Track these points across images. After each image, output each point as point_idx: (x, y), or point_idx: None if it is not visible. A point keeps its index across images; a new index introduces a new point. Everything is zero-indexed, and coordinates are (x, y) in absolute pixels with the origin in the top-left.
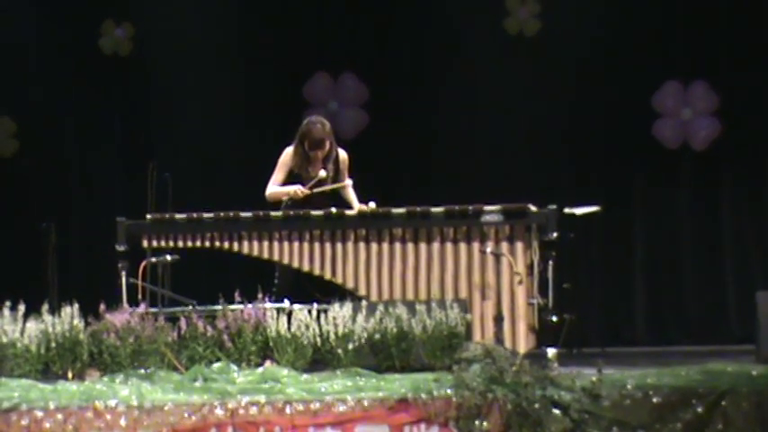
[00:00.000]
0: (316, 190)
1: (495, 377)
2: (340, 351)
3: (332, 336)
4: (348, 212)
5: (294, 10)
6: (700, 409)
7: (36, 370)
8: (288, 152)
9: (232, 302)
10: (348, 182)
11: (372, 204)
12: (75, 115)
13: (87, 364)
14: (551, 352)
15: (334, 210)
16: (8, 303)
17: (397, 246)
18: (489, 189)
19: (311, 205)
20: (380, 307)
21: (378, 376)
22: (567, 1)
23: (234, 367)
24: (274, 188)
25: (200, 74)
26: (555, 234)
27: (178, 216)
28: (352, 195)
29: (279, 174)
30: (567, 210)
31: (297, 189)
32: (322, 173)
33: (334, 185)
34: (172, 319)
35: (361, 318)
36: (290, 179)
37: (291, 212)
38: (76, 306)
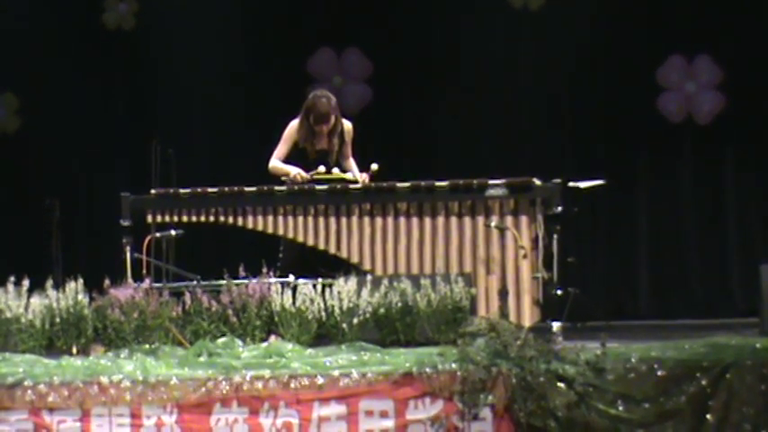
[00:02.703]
0: (317, 177)
1: (499, 351)
2: (344, 326)
3: (336, 310)
4: (353, 186)
5: None
6: (704, 382)
7: (40, 345)
8: (293, 125)
9: (237, 277)
10: (358, 178)
11: (375, 166)
12: (79, 90)
13: (92, 339)
14: (556, 326)
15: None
16: (12, 279)
17: (402, 220)
18: (494, 163)
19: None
20: (385, 281)
21: (382, 351)
22: None
23: (238, 342)
24: (277, 163)
25: (204, 48)
26: (559, 208)
27: (182, 191)
28: (355, 170)
29: (283, 146)
30: (571, 183)
31: (298, 173)
32: (321, 168)
33: (336, 175)
34: (176, 294)
35: (365, 292)
36: (294, 152)
37: (296, 187)
38: (81, 281)
